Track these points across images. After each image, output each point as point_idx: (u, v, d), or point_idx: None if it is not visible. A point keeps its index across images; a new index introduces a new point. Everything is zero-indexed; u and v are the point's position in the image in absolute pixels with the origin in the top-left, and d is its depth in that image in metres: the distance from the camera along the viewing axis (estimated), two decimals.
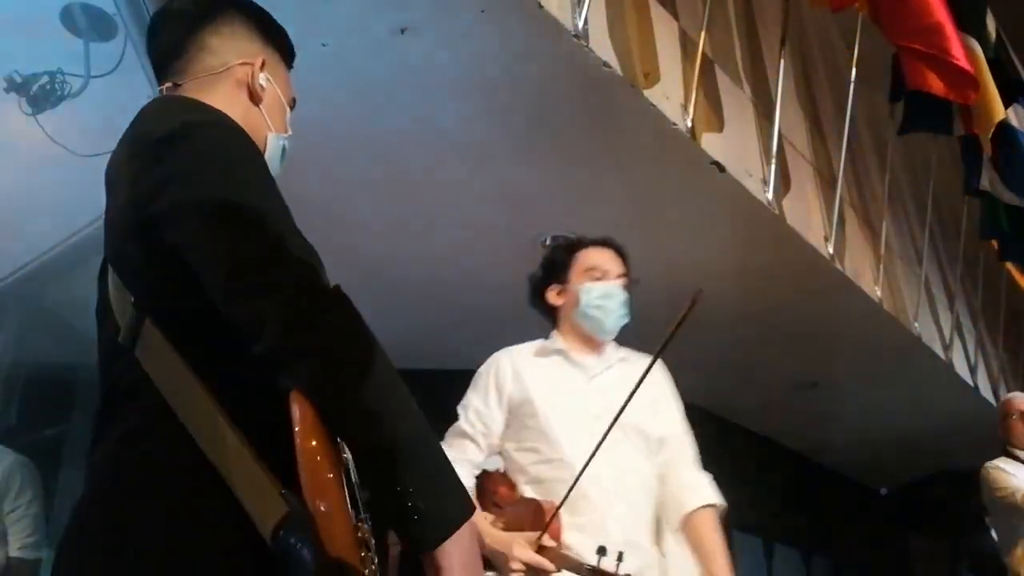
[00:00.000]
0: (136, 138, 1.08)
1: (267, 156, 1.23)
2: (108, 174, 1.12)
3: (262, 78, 1.23)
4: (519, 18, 2.44)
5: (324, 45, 2.47)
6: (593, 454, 1.75)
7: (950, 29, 3.58)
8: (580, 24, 2.51)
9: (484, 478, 2.14)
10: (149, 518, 0.91)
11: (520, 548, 1.77)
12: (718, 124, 3.31)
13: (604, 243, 2.17)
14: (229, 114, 1.14)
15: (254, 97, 1.23)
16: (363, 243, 3.65)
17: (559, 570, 1.76)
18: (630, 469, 1.94)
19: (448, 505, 0.90)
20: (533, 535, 1.78)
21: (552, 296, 2.18)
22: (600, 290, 2.07)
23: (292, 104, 1.32)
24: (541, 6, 2.39)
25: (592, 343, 2.09)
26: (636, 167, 3.19)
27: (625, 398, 1.77)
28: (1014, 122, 4.49)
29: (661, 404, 2.10)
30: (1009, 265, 5.77)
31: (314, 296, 0.92)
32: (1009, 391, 5.60)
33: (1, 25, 2.48)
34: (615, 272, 2.12)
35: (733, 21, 3.79)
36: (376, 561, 0.87)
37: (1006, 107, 4.35)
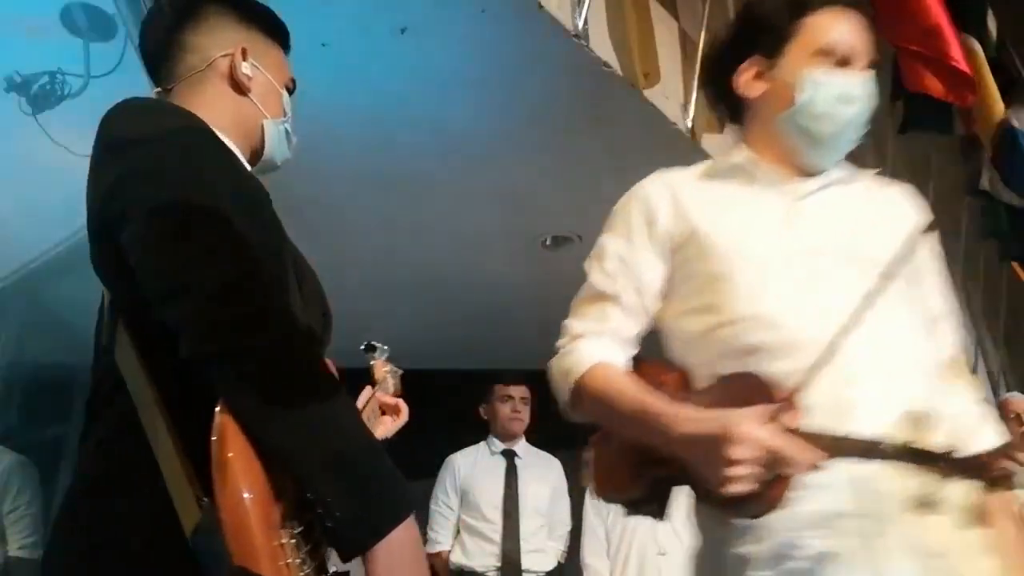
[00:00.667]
0: (101, 141, 1.07)
1: (270, 144, 1.24)
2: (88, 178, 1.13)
3: (245, 66, 1.21)
4: (519, 18, 2.44)
5: (324, 45, 2.47)
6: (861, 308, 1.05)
7: (949, 31, 3.58)
8: (580, 24, 2.51)
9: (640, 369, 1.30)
10: (114, 523, 0.92)
11: (754, 425, 1.00)
12: (718, 124, 3.30)
13: (851, 4, 1.29)
14: (217, 111, 1.15)
15: (240, 87, 1.21)
16: (363, 243, 3.65)
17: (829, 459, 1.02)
18: (890, 330, 1.17)
19: (371, 515, 0.88)
20: (767, 409, 1.02)
21: (746, 81, 1.32)
22: (839, 85, 1.25)
23: (290, 86, 1.29)
24: (541, 6, 2.39)
25: (800, 167, 1.31)
26: (636, 167, 3.18)
27: (859, 226, 1.21)
28: (1015, 122, 4.49)
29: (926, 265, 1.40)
30: (1016, 265, 5.75)
31: (235, 300, 0.90)
32: (1009, 391, 5.61)
33: (1, 25, 2.48)
34: (864, 58, 1.28)
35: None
36: (309, 570, 0.87)
37: (1007, 107, 4.35)
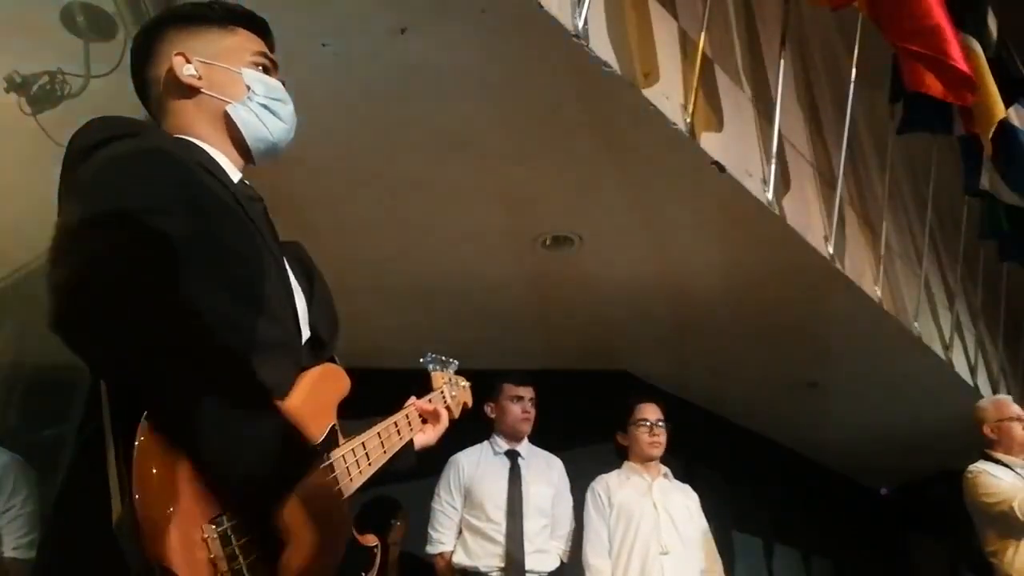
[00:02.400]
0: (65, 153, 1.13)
1: (243, 126, 1.25)
2: None
3: (187, 67, 1.24)
4: (519, 18, 2.44)
5: (324, 45, 2.47)
6: None
7: (948, 31, 3.58)
8: (580, 24, 2.50)
9: None
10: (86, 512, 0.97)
11: None
12: (718, 124, 3.30)
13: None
14: (186, 123, 1.21)
15: (190, 89, 1.24)
16: (363, 243, 3.65)
17: None
18: None
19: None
20: None
21: None
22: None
23: (260, 60, 1.30)
24: (541, 6, 2.38)
25: None
26: (636, 167, 3.19)
27: None
28: (1015, 121, 4.49)
29: None
30: None
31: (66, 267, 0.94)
32: (1009, 391, 5.61)
33: (1, 25, 2.48)
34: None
35: (733, 21, 3.79)
36: (247, 561, 0.91)
37: (1007, 106, 4.35)
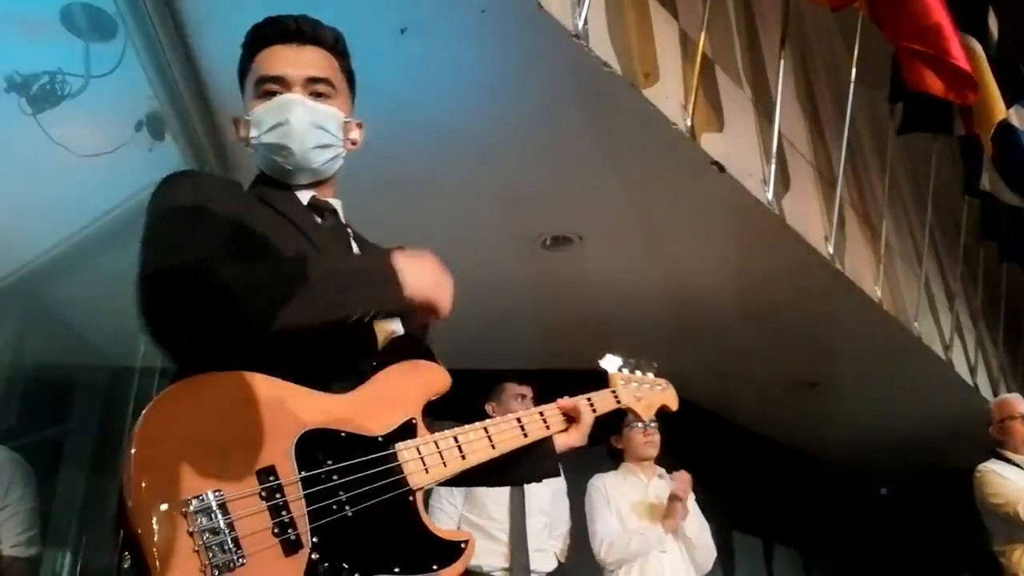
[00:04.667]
0: None
1: (260, 163, 1.33)
2: None
3: (241, 131, 1.32)
4: (519, 18, 2.44)
5: None
6: None
7: (949, 30, 3.58)
8: (580, 24, 2.50)
9: None
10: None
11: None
12: (718, 124, 3.30)
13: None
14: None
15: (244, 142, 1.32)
16: None
17: None
18: None
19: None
20: None
21: None
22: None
23: (261, 92, 1.30)
24: (541, 6, 2.38)
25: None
26: (636, 167, 3.19)
27: None
28: (1015, 122, 4.49)
29: None
30: None
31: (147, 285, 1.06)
32: (1009, 391, 5.61)
33: (1, 25, 2.48)
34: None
35: (733, 21, 3.79)
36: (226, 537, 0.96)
37: (1008, 107, 4.35)
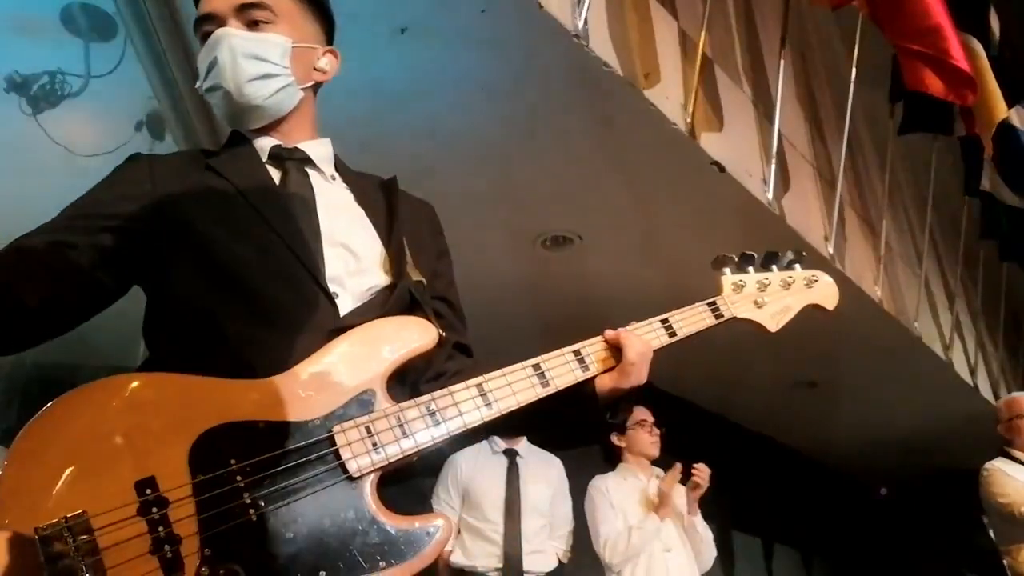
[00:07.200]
0: None
1: (218, 112, 1.24)
2: None
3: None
4: (519, 18, 2.44)
5: None
6: None
7: (949, 30, 3.58)
8: (580, 24, 2.50)
9: None
10: None
11: None
12: (718, 124, 3.30)
13: None
14: None
15: None
16: None
17: None
18: None
19: None
20: None
21: None
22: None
23: (197, 25, 1.21)
24: (541, 6, 2.38)
25: None
26: (636, 167, 3.19)
27: None
28: (1015, 122, 4.49)
29: None
30: None
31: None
32: (1009, 391, 5.61)
33: (1, 25, 2.48)
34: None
35: (733, 21, 3.79)
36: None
37: (1010, 107, 4.35)
